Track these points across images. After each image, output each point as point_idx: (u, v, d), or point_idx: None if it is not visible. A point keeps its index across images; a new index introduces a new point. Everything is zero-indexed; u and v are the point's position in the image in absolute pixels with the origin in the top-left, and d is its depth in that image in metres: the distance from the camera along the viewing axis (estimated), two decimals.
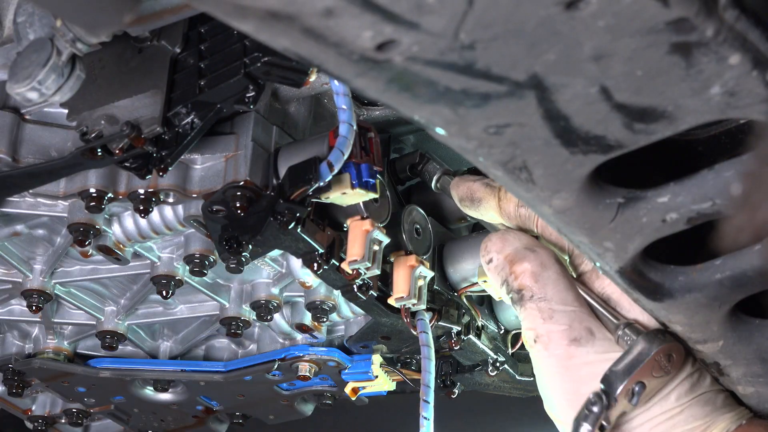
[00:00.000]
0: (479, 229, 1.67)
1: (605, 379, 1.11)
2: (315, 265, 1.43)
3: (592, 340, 1.13)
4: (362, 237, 1.42)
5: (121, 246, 1.56)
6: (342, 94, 1.33)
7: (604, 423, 1.10)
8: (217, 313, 1.72)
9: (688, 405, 1.13)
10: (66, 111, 1.40)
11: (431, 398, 1.47)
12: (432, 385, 1.47)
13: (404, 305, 1.50)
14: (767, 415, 1.16)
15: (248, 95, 1.33)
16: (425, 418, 1.46)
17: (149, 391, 1.90)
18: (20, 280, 1.66)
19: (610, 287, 1.16)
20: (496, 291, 1.21)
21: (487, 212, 1.24)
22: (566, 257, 1.21)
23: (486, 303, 1.68)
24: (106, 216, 1.53)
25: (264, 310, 1.66)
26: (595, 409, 1.10)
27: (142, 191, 1.44)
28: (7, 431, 2.39)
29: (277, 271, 1.65)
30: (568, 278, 1.16)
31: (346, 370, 1.73)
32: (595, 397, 1.10)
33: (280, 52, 0.88)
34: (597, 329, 1.14)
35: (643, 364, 1.10)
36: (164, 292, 1.61)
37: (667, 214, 0.94)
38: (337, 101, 1.34)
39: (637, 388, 1.10)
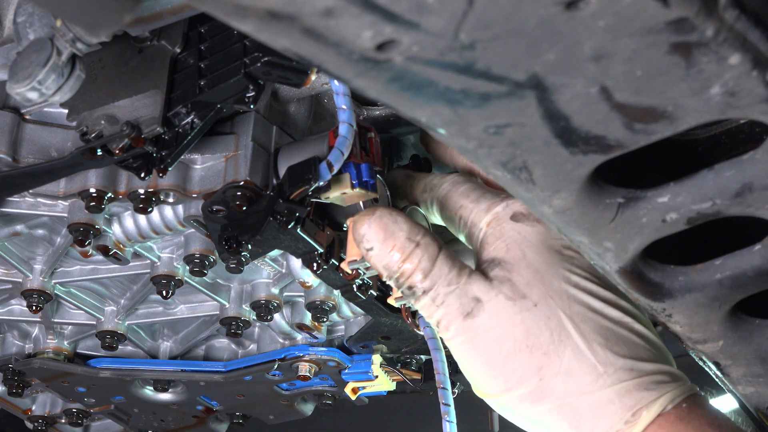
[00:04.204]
0: None
1: None
2: (315, 265, 1.42)
3: (481, 306, 1.17)
4: None
5: (121, 246, 1.56)
6: (342, 94, 1.33)
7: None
8: (217, 313, 1.71)
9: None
10: (66, 111, 1.40)
11: (448, 385, 1.47)
12: (446, 371, 1.47)
13: (404, 304, 1.50)
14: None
15: (248, 95, 1.33)
16: (446, 404, 1.46)
17: (149, 391, 1.90)
18: (20, 280, 1.66)
19: None
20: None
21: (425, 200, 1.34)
22: (478, 179, 1.28)
23: None
24: (106, 216, 1.53)
25: (264, 310, 1.66)
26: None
27: (142, 191, 1.44)
28: (7, 431, 2.39)
29: (277, 271, 1.65)
30: (452, 257, 1.20)
31: (346, 370, 1.73)
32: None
33: (280, 52, 0.88)
34: (483, 293, 1.18)
35: None
36: (164, 292, 1.61)
37: (667, 214, 0.94)
38: (337, 101, 1.34)
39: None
